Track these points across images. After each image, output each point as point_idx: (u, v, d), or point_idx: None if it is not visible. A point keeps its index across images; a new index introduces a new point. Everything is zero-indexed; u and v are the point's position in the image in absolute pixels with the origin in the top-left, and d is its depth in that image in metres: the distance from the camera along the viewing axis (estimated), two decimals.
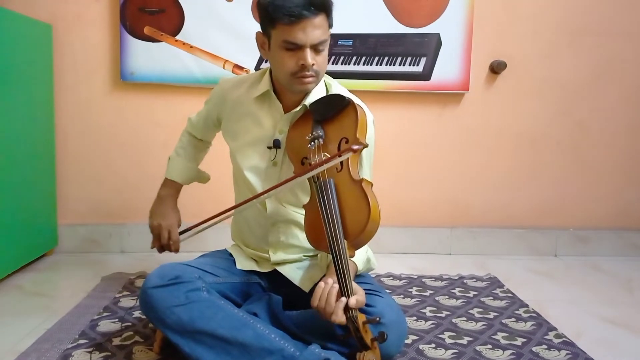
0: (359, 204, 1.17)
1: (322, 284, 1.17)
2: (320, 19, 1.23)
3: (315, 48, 1.24)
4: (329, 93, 1.38)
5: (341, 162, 1.22)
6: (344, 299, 1.13)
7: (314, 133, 1.27)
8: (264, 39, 1.31)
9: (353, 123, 1.25)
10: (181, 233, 1.56)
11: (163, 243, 1.55)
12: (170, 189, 1.60)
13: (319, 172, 1.21)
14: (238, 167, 1.42)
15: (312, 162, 1.24)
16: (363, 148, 1.22)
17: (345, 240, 1.16)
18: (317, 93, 1.36)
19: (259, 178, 1.40)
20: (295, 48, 1.23)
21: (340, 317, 1.12)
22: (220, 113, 1.49)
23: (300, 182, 1.29)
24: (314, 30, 1.22)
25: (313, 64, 1.24)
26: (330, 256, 1.17)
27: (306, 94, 1.34)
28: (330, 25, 1.28)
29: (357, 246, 1.19)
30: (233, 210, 1.37)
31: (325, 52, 1.28)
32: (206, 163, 1.72)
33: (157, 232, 1.55)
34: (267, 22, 1.26)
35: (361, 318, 1.14)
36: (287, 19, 1.20)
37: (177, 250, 1.56)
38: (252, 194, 1.40)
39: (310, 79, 1.27)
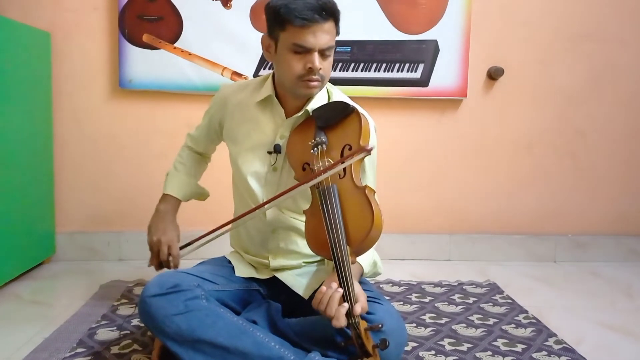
0: (362, 211, 1.17)
1: (323, 287, 1.17)
2: (329, 25, 1.24)
3: (323, 53, 1.26)
4: (331, 99, 1.39)
5: (344, 169, 1.22)
6: (346, 304, 1.13)
7: (317, 139, 1.28)
8: (270, 41, 1.31)
9: (357, 130, 1.25)
10: (181, 248, 1.52)
11: (162, 259, 1.50)
12: (169, 204, 1.56)
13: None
14: (239, 172, 1.42)
15: (315, 168, 1.24)
16: (367, 154, 1.23)
17: (347, 247, 1.16)
18: (319, 99, 1.36)
19: (259, 183, 1.39)
20: (304, 51, 1.24)
21: (342, 322, 1.12)
22: (222, 118, 1.48)
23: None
24: (323, 35, 1.23)
25: (320, 69, 1.26)
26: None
27: (308, 99, 1.35)
28: (337, 33, 1.30)
29: (359, 253, 1.20)
30: (234, 223, 1.35)
31: (331, 59, 1.30)
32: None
33: (156, 248, 1.50)
34: (276, 25, 1.26)
35: (363, 325, 1.14)
36: (299, 22, 1.21)
37: (176, 266, 1.51)
38: (252, 199, 1.40)
39: (316, 83, 1.28)
